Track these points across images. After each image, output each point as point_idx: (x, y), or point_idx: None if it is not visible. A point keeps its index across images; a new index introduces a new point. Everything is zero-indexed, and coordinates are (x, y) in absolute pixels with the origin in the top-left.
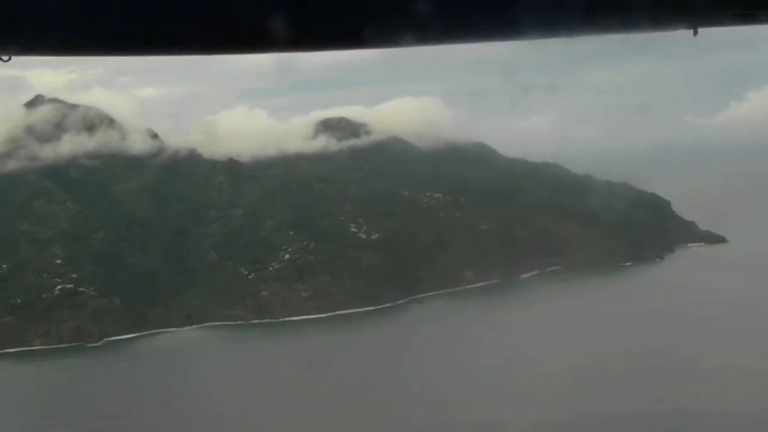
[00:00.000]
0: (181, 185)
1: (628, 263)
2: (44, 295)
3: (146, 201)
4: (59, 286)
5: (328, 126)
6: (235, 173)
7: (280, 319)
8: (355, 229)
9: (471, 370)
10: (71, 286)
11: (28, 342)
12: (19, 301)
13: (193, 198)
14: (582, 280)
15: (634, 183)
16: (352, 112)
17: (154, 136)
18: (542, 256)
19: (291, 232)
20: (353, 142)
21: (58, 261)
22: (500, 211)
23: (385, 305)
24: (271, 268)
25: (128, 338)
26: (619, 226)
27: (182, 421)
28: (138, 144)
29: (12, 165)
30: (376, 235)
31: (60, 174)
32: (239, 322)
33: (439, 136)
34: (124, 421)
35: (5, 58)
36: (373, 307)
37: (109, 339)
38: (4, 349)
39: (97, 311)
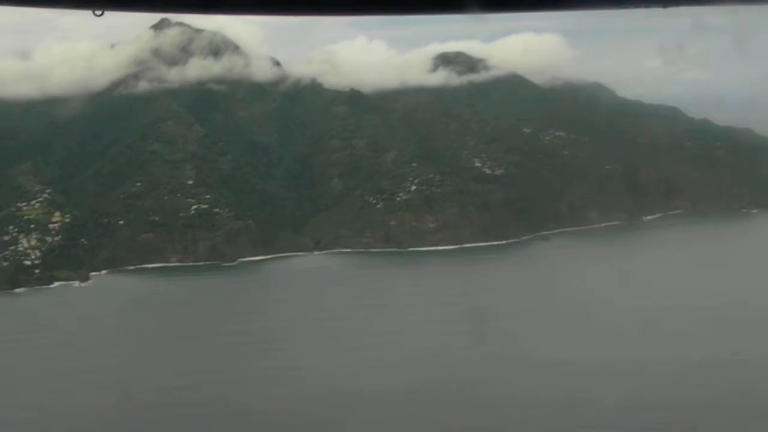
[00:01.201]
0: (302, 113)
1: (754, 210)
2: (180, 214)
3: (269, 128)
4: (194, 206)
5: (446, 60)
6: (356, 104)
7: (408, 249)
8: (479, 164)
9: (592, 309)
10: (206, 206)
11: (166, 258)
12: (156, 218)
13: (315, 127)
14: (705, 224)
15: (757, 130)
16: (470, 46)
17: (276, 63)
18: (665, 199)
19: (414, 164)
20: (472, 77)
21: (190, 182)
22: (623, 153)
23: (511, 240)
24: (398, 199)
25: (261, 260)
26: (744, 172)
27: (304, 341)
28: (261, 71)
29: (141, 86)
30: (500, 171)
31: (187, 97)
32: (367, 250)
33: (556, 74)
34: (252, 336)
35: (98, 12)
36: (499, 242)
37: (242, 260)
38: (144, 264)
39: (232, 232)
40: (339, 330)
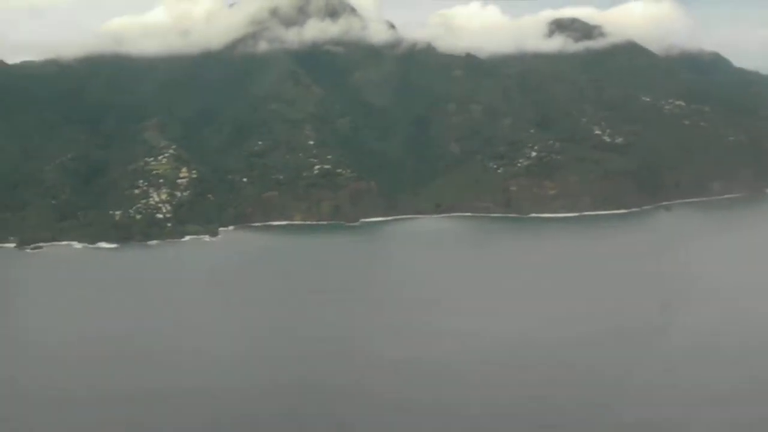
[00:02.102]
0: (417, 77)
1: None
2: (304, 174)
3: (385, 90)
4: (317, 167)
5: (561, 26)
6: (472, 68)
7: (528, 215)
8: (599, 132)
9: (715, 281)
10: (329, 167)
11: (290, 216)
12: (280, 177)
13: (430, 90)
14: None
15: None
16: (585, 13)
17: (392, 26)
18: None
19: (532, 130)
20: (588, 43)
21: (311, 142)
22: (746, 124)
23: (632, 209)
24: (519, 165)
25: (382, 221)
26: None
27: (425, 300)
28: (377, 34)
29: (260, 47)
30: (620, 139)
31: (305, 58)
32: (487, 214)
33: (673, 43)
34: (372, 294)
35: None
36: (620, 211)
37: (364, 220)
38: (269, 221)
39: (355, 193)
40: (469, 291)
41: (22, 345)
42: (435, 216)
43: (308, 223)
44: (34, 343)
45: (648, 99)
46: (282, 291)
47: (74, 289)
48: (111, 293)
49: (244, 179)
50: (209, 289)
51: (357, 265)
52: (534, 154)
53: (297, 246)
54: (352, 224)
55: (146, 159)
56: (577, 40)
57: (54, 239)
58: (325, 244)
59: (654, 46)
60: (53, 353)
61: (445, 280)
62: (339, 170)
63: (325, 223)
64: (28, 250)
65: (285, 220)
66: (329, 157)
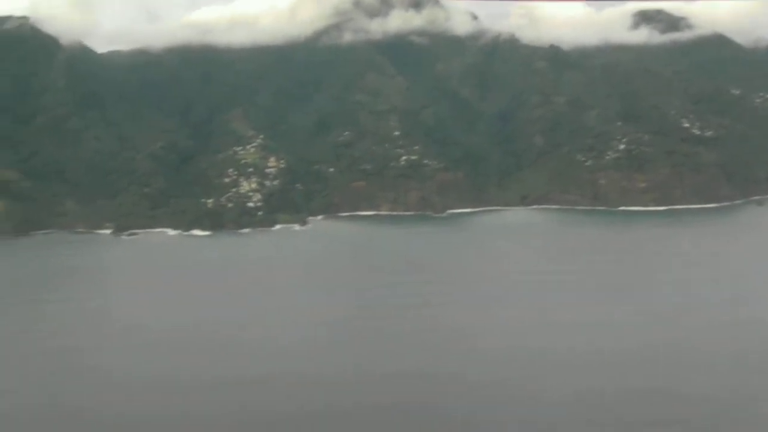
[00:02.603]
0: (501, 69)
1: None
2: (391, 164)
3: (468, 82)
4: (404, 157)
5: (646, 17)
6: (556, 60)
7: (617, 208)
8: (687, 125)
9: None
10: (416, 158)
11: (377, 206)
12: (368, 167)
13: (513, 82)
14: None
15: None
16: (670, 4)
17: (475, 17)
18: None
19: (619, 123)
20: (674, 35)
21: (397, 133)
22: None
23: (723, 203)
24: (607, 157)
25: (469, 212)
26: None
27: (521, 292)
28: (460, 25)
29: (344, 37)
30: (710, 132)
31: (389, 49)
32: (574, 207)
33: (761, 36)
34: (465, 284)
35: None
36: (711, 205)
37: (451, 211)
38: (357, 211)
39: (442, 184)
40: (565, 284)
41: (128, 329)
42: (522, 208)
43: (395, 213)
44: (139, 327)
45: (737, 92)
46: (376, 280)
47: (175, 276)
48: (211, 279)
49: (331, 169)
50: (305, 278)
51: (449, 256)
52: (623, 146)
53: (387, 236)
54: (439, 215)
55: (234, 148)
56: (662, 31)
57: (148, 226)
58: (414, 234)
59: (741, 38)
60: (158, 338)
61: (542, 272)
62: (426, 161)
63: (411, 213)
64: (123, 237)
65: (372, 210)
66: (415, 147)
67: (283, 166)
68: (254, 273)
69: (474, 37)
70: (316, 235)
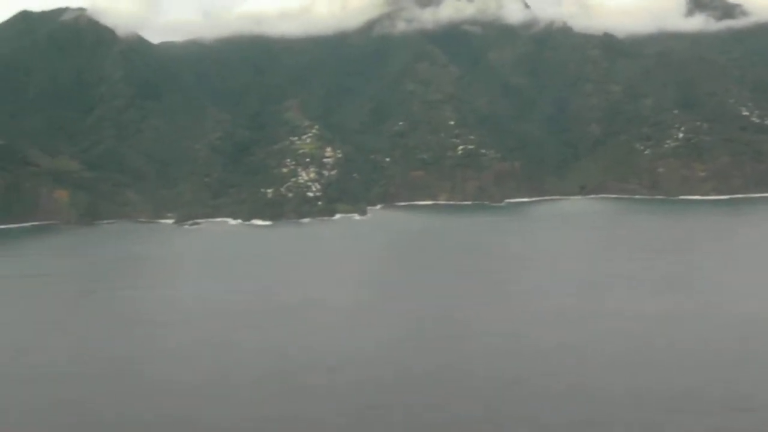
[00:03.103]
0: (553, 57)
1: None
2: (448, 154)
3: (521, 70)
4: (461, 147)
5: (700, 5)
6: (609, 48)
7: (676, 197)
8: (747, 113)
9: None
10: (473, 147)
11: (435, 196)
12: (425, 157)
13: (567, 71)
14: None
15: None
16: None
17: (527, 6)
18: None
19: (676, 111)
20: (729, 22)
21: (451, 122)
22: None
23: None
24: (666, 146)
25: (527, 202)
26: None
27: (588, 283)
28: (512, 14)
29: (396, 27)
30: None
31: (441, 38)
32: (632, 196)
33: None
34: (530, 275)
35: None
36: None
37: (509, 201)
38: (415, 200)
39: (499, 174)
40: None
41: (247, 313)
42: (580, 198)
43: (453, 203)
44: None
45: None
46: (442, 270)
47: (253, 265)
48: (286, 267)
49: (387, 159)
50: (372, 266)
51: (512, 246)
52: (681, 135)
53: (450, 225)
54: (497, 205)
55: (291, 138)
56: (717, 19)
57: (208, 216)
58: (477, 224)
59: None
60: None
61: (607, 262)
62: (483, 150)
63: (469, 203)
64: (186, 226)
65: (430, 199)
66: (471, 137)
67: (339, 156)
68: (341, 262)
69: (526, 26)
70: (378, 224)
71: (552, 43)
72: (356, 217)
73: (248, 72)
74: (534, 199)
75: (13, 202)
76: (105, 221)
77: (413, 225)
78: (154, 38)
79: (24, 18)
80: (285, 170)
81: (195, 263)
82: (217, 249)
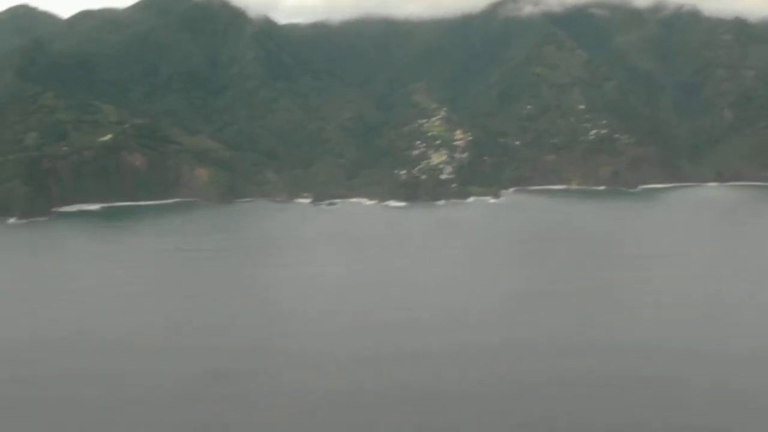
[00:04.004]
0: (682, 41)
1: None
2: (581, 138)
3: (649, 55)
4: (593, 131)
5: None
6: (742, 32)
7: None
8: None
9: None
10: (606, 131)
11: (567, 181)
12: (557, 141)
13: (697, 55)
14: None
15: None
16: None
17: None
18: None
19: None
20: None
21: (581, 106)
22: None
23: None
24: None
25: (662, 188)
26: None
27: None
28: None
29: (522, 10)
30: None
31: (566, 21)
32: None
33: None
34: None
35: None
36: None
37: (644, 186)
38: (547, 185)
39: (634, 159)
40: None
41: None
42: (717, 185)
43: (585, 188)
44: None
45: None
46: (598, 257)
47: (413, 245)
48: (470, 246)
49: (516, 142)
50: (531, 248)
51: (668, 232)
52: None
53: (588, 210)
54: (632, 190)
55: (419, 121)
56: None
57: (343, 196)
58: (615, 209)
59: None
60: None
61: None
62: (616, 135)
63: (602, 188)
64: (323, 206)
65: (562, 184)
66: (603, 122)
67: (470, 138)
68: (499, 243)
69: (654, 9)
70: (514, 207)
71: (681, 27)
72: (490, 200)
73: (375, 54)
74: (669, 185)
75: (157, 179)
76: (243, 199)
77: (551, 209)
78: (280, 20)
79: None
80: (416, 152)
81: (346, 242)
82: (364, 228)
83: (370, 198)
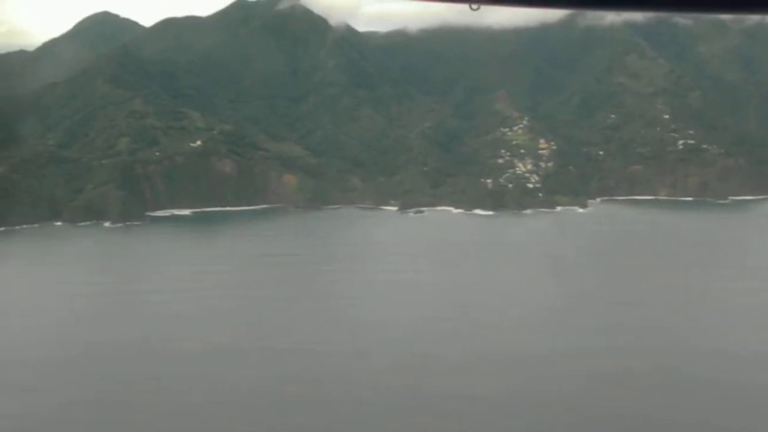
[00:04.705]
0: (766, 51)
1: None
2: (668, 149)
3: (732, 65)
4: (681, 142)
5: None
6: None
7: None
8: None
9: None
10: (693, 142)
11: (655, 191)
12: (643, 151)
13: None
14: None
15: None
16: None
17: None
18: None
19: None
20: None
21: (666, 116)
22: None
23: None
24: None
25: (752, 200)
26: None
27: None
28: None
29: (603, 18)
30: None
31: (647, 30)
32: None
33: None
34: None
35: (474, 7)
36: None
37: (733, 198)
38: (633, 195)
39: (724, 170)
40: None
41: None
42: None
43: (673, 198)
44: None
45: None
46: (716, 266)
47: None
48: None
49: (600, 152)
50: (639, 260)
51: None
52: None
53: (681, 221)
54: (721, 202)
55: (502, 129)
56: None
57: (429, 204)
58: (706, 221)
59: None
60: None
61: None
62: (704, 146)
63: (690, 199)
64: (411, 214)
65: (649, 194)
66: (690, 132)
67: (554, 148)
68: (574, 253)
69: (737, 19)
70: (606, 217)
71: (765, 37)
72: (578, 210)
73: (453, 62)
74: (760, 197)
75: (246, 185)
76: (331, 206)
77: (645, 219)
78: (359, 28)
79: (239, 7)
80: (500, 161)
81: (446, 249)
82: (459, 235)
83: (456, 206)
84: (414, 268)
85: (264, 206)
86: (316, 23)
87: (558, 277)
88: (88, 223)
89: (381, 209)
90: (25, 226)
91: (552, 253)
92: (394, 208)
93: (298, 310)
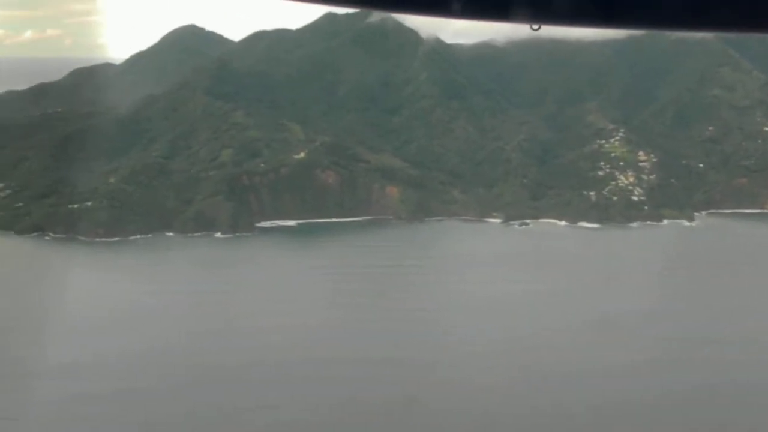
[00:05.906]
0: None
1: None
2: None
3: None
4: None
5: None
6: None
7: None
8: None
9: None
10: None
11: (761, 204)
12: (747, 164)
13: None
14: None
15: None
16: None
17: None
18: None
19: None
20: None
21: (766, 128)
22: None
23: None
24: None
25: None
26: None
27: None
28: None
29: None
30: None
31: (738, 42)
32: None
33: None
34: None
35: (535, 27)
36: None
37: None
38: (739, 208)
39: None
40: None
41: None
42: None
43: None
44: None
45: None
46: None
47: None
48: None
49: (700, 165)
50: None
51: None
52: None
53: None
54: None
55: (598, 141)
56: None
57: (532, 216)
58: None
59: None
60: None
61: None
62: None
63: None
64: (515, 226)
65: (755, 208)
66: None
67: (654, 160)
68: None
69: None
70: (715, 230)
71: None
72: (685, 223)
73: (542, 74)
74: None
75: (349, 196)
76: (434, 218)
77: (753, 233)
78: (447, 40)
79: (330, 20)
80: (600, 173)
81: (559, 261)
82: (569, 248)
83: (560, 219)
84: (532, 278)
85: (368, 218)
86: (408, 36)
87: (680, 290)
88: (199, 233)
89: (484, 221)
90: (139, 236)
91: (669, 266)
92: (498, 221)
93: (430, 321)
